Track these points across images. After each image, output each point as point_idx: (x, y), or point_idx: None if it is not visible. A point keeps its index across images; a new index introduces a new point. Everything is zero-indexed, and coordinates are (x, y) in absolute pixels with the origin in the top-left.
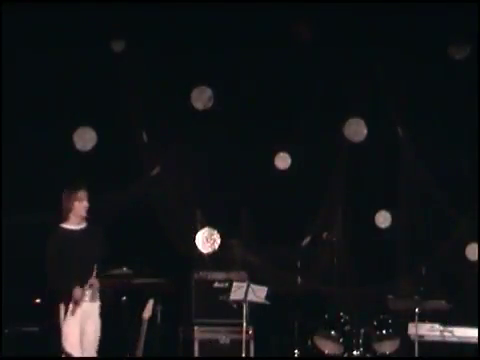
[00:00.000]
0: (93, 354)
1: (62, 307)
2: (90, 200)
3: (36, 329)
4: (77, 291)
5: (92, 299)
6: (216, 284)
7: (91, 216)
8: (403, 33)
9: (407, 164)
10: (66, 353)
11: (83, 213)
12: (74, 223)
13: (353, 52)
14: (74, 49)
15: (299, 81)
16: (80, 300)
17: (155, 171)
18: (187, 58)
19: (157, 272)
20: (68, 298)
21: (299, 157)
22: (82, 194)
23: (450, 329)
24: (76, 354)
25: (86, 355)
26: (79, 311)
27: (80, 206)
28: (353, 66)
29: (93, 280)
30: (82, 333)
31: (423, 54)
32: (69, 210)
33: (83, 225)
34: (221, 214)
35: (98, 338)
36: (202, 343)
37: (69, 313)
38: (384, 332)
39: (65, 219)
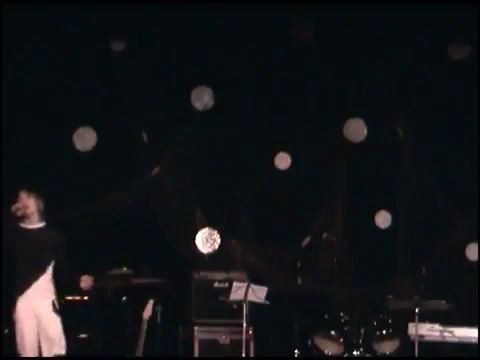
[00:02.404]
0: (59, 351)
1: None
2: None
3: None
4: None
5: (40, 296)
6: (216, 284)
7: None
8: (403, 33)
9: (407, 164)
10: (17, 351)
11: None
12: (24, 223)
13: (353, 52)
14: (74, 49)
15: (299, 81)
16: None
17: (155, 171)
18: (187, 58)
19: (157, 272)
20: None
21: (299, 157)
22: (19, 194)
23: (450, 329)
24: (24, 352)
25: (50, 353)
26: (26, 309)
27: (16, 205)
28: (353, 66)
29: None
30: (40, 332)
31: (423, 54)
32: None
33: (33, 225)
34: (221, 214)
35: (61, 334)
36: (202, 343)
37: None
38: (384, 332)
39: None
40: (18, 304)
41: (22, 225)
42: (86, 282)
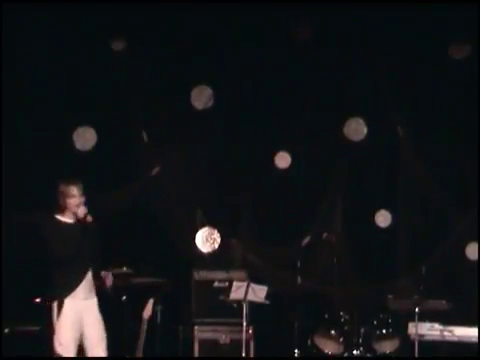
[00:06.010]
0: (101, 353)
1: (55, 304)
2: (85, 195)
3: (36, 329)
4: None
5: (87, 296)
6: (216, 284)
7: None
8: (403, 33)
9: (407, 164)
10: (56, 353)
11: (77, 210)
12: (69, 217)
13: (353, 52)
14: (74, 49)
15: (299, 81)
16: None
17: (155, 171)
18: (187, 58)
19: (157, 272)
20: (59, 295)
21: (299, 157)
22: (73, 190)
23: (450, 329)
24: (67, 354)
25: (92, 355)
26: (72, 310)
27: (73, 203)
28: (353, 66)
29: (107, 275)
30: (83, 334)
31: (423, 54)
32: (63, 206)
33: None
34: (221, 214)
35: (103, 335)
36: (202, 343)
37: (61, 311)
38: (384, 332)
39: (60, 212)
40: (65, 302)
41: (64, 220)
42: (109, 279)
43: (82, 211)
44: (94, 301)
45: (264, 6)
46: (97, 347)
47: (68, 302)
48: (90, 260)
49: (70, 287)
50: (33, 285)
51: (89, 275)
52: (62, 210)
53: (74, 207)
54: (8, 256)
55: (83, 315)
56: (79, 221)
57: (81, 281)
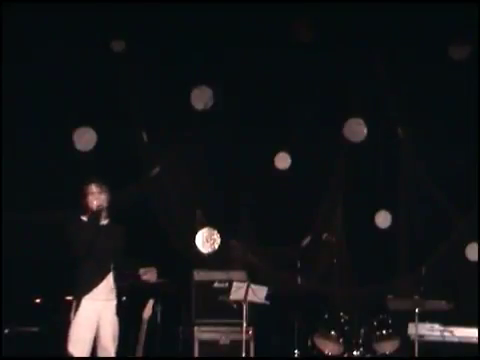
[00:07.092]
0: (110, 354)
1: (74, 303)
2: (106, 192)
3: (36, 329)
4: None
5: (107, 297)
6: (216, 284)
7: (110, 211)
8: (403, 33)
9: (407, 164)
10: (68, 352)
11: (94, 207)
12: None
13: (353, 52)
14: (74, 49)
15: (299, 81)
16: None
17: (155, 171)
18: (187, 58)
19: (157, 272)
20: (77, 294)
21: (299, 157)
22: (91, 188)
23: (450, 329)
24: (79, 354)
25: (102, 355)
26: (91, 310)
27: (91, 200)
28: (353, 66)
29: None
30: (97, 334)
31: (423, 54)
32: (85, 206)
33: (103, 221)
34: (221, 214)
35: (116, 337)
36: (202, 343)
37: (77, 311)
38: (384, 332)
39: (84, 213)
40: (83, 303)
41: (82, 219)
42: (152, 274)
43: (95, 203)
44: (113, 303)
45: (264, 6)
46: (108, 348)
47: (87, 302)
48: (110, 260)
49: (88, 286)
50: (33, 285)
51: (110, 276)
52: (85, 211)
53: (93, 204)
54: (9, 255)
55: (101, 316)
56: (92, 214)
57: (100, 281)
